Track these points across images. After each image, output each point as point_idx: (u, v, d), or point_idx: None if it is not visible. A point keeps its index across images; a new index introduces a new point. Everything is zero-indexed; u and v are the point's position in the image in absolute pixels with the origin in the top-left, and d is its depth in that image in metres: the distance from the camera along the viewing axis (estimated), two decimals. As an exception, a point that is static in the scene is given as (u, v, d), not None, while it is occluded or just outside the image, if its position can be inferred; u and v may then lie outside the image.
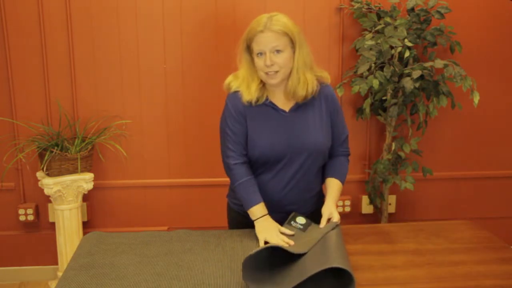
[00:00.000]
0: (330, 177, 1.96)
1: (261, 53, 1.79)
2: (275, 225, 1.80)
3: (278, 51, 1.78)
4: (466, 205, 3.27)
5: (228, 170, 1.91)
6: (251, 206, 1.84)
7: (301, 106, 1.88)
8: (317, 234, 1.71)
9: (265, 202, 1.87)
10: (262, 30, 1.78)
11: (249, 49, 1.85)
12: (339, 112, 1.96)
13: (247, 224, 1.95)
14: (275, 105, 1.87)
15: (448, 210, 3.26)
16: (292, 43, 1.81)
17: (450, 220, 2.49)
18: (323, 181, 2.01)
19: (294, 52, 1.82)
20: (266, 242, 1.72)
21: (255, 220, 1.83)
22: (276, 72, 1.80)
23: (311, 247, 1.62)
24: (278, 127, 1.86)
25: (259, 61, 1.81)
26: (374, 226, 2.17)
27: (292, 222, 1.81)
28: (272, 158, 1.86)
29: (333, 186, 1.93)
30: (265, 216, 1.83)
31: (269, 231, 1.76)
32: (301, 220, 1.81)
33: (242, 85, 1.87)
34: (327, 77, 1.93)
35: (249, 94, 1.85)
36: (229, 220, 2.10)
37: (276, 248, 1.63)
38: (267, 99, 1.88)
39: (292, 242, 1.68)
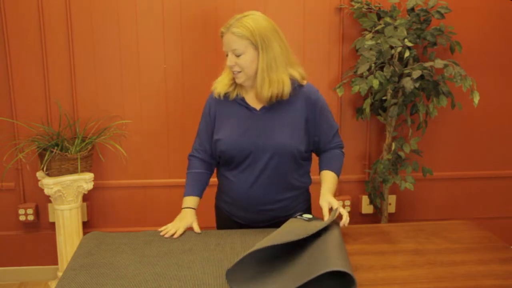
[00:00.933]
0: (323, 169, 1.96)
1: (227, 54, 1.85)
2: (190, 219, 1.89)
3: (237, 54, 1.81)
4: (466, 205, 3.27)
5: (188, 159, 2.04)
6: (185, 196, 1.96)
7: (275, 106, 1.87)
8: (320, 224, 1.69)
9: (233, 199, 1.94)
10: (224, 32, 1.84)
11: None
12: (324, 110, 1.93)
13: (226, 219, 2.00)
14: (247, 103, 1.90)
15: (448, 210, 3.26)
16: (255, 45, 1.81)
17: (450, 220, 2.49)
18: (305, 183, 2.00)
19: (258, 54, 1.82)
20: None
21: (182, 208, 1.94)
22: (239, 72, 1.84)
23: (309, 234, 1.61)
24: (246, 125, 1.87)
25: (227, 60, 1.86)
26: (374, 226, 2.16)
27: (298, 216, 1.82)
28: (236, 155, 1.87)
29: (327, 177, 1.93)
30: (189, 209, 1.92)
31: (178, 221, 1.89)
32: (307, 215, 1.82)
33: (219, 80, 1.94)
34: (305, 76, 1.92)
35: (221, 87, 1.92)
36: (216, 220, 2.12)
37: (266, 249, 1.60)
38: (238, 96, 1.91)
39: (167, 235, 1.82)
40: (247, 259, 1.52)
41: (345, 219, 1.75)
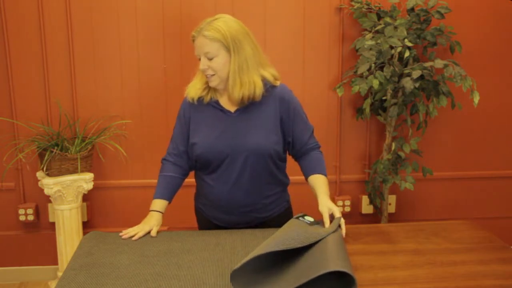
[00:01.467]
0: (311, 174, 1.94)
1: (199, 58, 1.85)
2: (153, 223, 1.87)
3: (210, 57, 1.81)
4: (466, 205, 3.27)
5: (161, 162, 2.03)
6: (154, 198, 1.95)
7: (249, 107, 1.87)
8: (323, 232, 1.69)
9: (213, 202, 1.94)
10: (195, 36, 1.84)
11: None
12: (297, 111, 1.93)
13: (216, 226, 1.98)
14: (221, 106, 1.89)
15: (448, 210, 3.26)
16: (227, 48, 1.81)
17: (450, 220, 2.49)
18: (283, 183, 2.00)
19: (230, 56, 1.82)
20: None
21: (149, 210, 1.92)
22: (212, 75, 1.83)
23: (312, 242, 1.60)
24: (221, 128, 1.87)
25: (200, 64, 1.86)
26: (374, 226, 2.16)
27: (300, 218, 1.80)
28: (212, 158, 1.86)
29: (319, 181, 1.90)
30: (155, 212, 1.91)
31: (142, 223, 1.88)
32: (309, 218, 1.80)
33: (192, 85, 1.94)
34: (277, 77, 1.92)
35: (194, 91, 1.91)
36: (197, 221, 2.11)
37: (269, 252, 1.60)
38: (212, 99, 1.90)
39: (133, 236, 1.81)
40: (252, 262, 1.52)
41: (343, 230, 1.74)
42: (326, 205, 1.79)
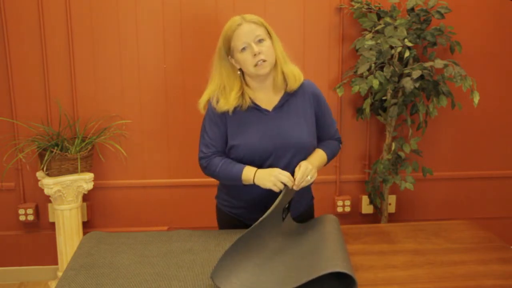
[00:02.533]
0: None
1: (245, 47, 1.80)
2: (270, 171, 1.78)
3: (261, 40, 1.80)
4: (466, 205, 3.27)
5: (203, 169, 1.92)
6: (240, 175, 1.81)
7: (285, 104, 1.88)
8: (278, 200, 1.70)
9: (248, 203, 1.91)
10: (240, 23, 1.82)
11: (228, 53, 1.86)
12: (326, 105, 1.99)
13: (237, 225, 1.97)
14: (258, 105, 1.87)
15: (448, 210, 3.26)
16: (269, 34, 1.85)
17: (450, 220, 2.49)
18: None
19: (272, 43, 1.85)
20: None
21: (254, 180, 1.79)
22: (264, 61, 1.80)
23: (273, 209, 1.64)
24: (261, 128, 1.85)
25: (244, 55, 1.80)
26: (374, 226, 2.16)
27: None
28: (257, 158, 1.84)
29: (314, 153, 1.92)
30: (257, 171, 1.80)
31: (266, 178, 1.76)
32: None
33: (220, 95, 1.86)
34: (301, 75, 1.96)
35: (227, 103, 1.83)
36: (218, 221, 2.09)
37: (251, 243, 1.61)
38: (250, 102, 1.86)
39: (291, 183, 1.74)
40: (229, 258, 1.52)
41: (301, 177, 1.75)
42: (302, 164, 1.79)
